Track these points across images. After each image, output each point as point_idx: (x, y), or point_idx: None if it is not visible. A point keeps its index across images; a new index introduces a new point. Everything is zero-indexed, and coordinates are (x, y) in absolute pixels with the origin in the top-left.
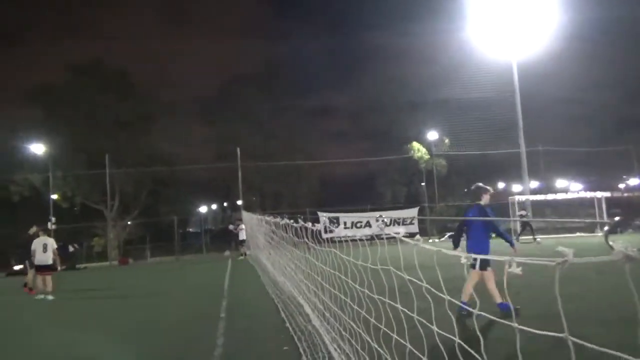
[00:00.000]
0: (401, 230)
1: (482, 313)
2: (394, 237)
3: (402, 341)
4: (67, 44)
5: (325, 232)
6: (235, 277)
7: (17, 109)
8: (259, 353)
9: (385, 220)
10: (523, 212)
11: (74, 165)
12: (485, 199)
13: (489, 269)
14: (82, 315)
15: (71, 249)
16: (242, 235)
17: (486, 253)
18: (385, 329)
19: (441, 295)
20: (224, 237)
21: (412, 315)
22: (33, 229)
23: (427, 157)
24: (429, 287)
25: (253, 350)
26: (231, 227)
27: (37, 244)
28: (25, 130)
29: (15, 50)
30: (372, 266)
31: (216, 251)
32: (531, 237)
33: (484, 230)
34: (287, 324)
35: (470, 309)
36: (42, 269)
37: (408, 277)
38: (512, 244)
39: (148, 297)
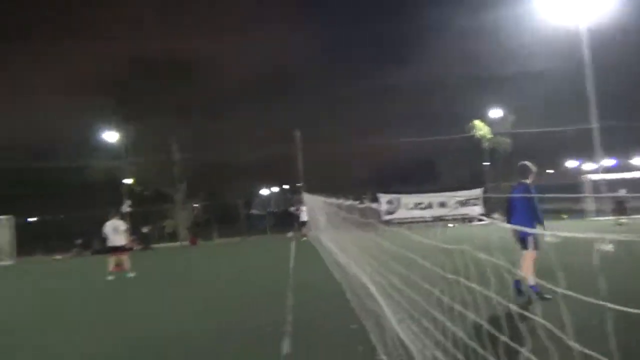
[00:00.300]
0: (466, 210)
1: (568, 292)
2: (461, 218)
3: (478, 320)
4: (135, 36)
5: (386, 213)
6: (299, 258)
7: (92, 99)
8: (327, 330)
9: (461, 199)
10: (623, 191)
11: (145, 151)
12: (531, 178)
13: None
14: (159, 292)
15: (145, 230)
16: (304, 217)
17: (530, 234)
18: (460, 308)
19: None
20: (286, 219)
21: (490, 294)
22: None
23: (489, 135)
24: (510, 267)
25: (321, 328)
26: (292, 209)
27: (109, 227)
28: (101, 120)
29: (88, 42)
30: (446, 246)
31: (279, 233)
32: (624, 217)
33: (530, 208)
34: (353, 304)
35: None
36: (117, 250)
37: (486, 256)
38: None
39: (218, 275)
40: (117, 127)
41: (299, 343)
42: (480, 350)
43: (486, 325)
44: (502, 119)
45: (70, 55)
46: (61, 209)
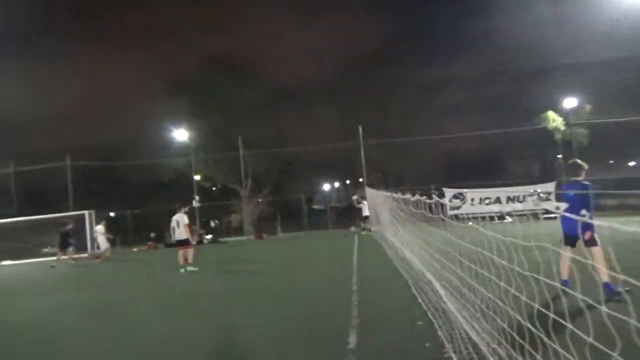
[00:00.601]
0: (538, 206)
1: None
2: (531, 213)
3: (560, 320)
4: (203, 37)
5: (451, 208)
6: (362, 253)
7: (163, 101)
8: (393, 325)
9: (542, 195)
10: None
11: (212, 148)
12: (583, 176)
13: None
14: (228, 283)
15: (212, 224)
16: (365, 212)
17: (590, 228)
18: (539, 307)
19: (613, 274)
20: (348, 214)
21: (574, 294)
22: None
23: (562, 127)
24: (594, 264)
25: (387, 323)
26: (355, 197)
27: (173, 221)
28: (170, 119)
29: (160, 45)
30: (524, 243)
31: (341, 227)
32: None
33: (586, 205)
34: (420, 300)
35: (619, 289)
36: (179, 244)
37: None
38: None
39: (284, 268)
40: (187, 126)
41: (365, 338)
42: (561, 351)
43: (570, 326)
44: (577, 109)
45: (142, 57)
46: (137, 204)
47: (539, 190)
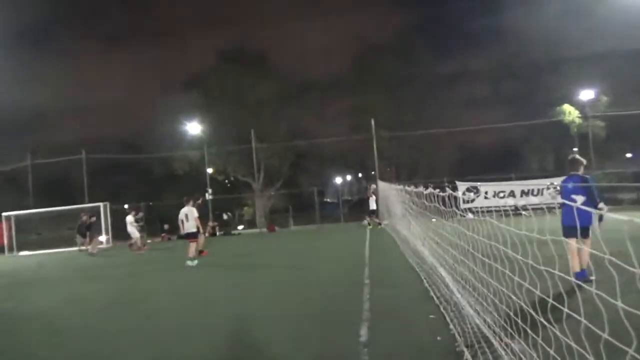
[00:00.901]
0: (552, 199)
1: None
2: (546, 207)
3: (575, 316)
4: (215, 32)
5: (464, 202)
6: (374, 246)
7: (176, 94)
8: (405, 319)
9: (558, 187)
10: None
11: (224, 141)
12: (581, 170)
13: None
14: (239, 277)
15: (225, 217)
16: (372, 205)
17: (590, 222)
18: (554, 302)
19: (628, 268)
20: (361, 207)
21: (589, 288)
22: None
23: (579, 120)
24: (612, 258)
25: (399, 316)
26: (372, 187)
27: (182, 214)
28: (184, 112)
29: (173, 41)
30: (539, 237)
31: (353, 221)
32: None
33: (592, 198)
34: (432, 294)
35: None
36: (188, 237)
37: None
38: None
39: (296, 261)
40: (201, 119)
41: (377, 331)
42: (575, 346)
43: (584, 321)
44: (594, 101)
45: (157, 52)
46: (151, 197)
47: (555, 184)
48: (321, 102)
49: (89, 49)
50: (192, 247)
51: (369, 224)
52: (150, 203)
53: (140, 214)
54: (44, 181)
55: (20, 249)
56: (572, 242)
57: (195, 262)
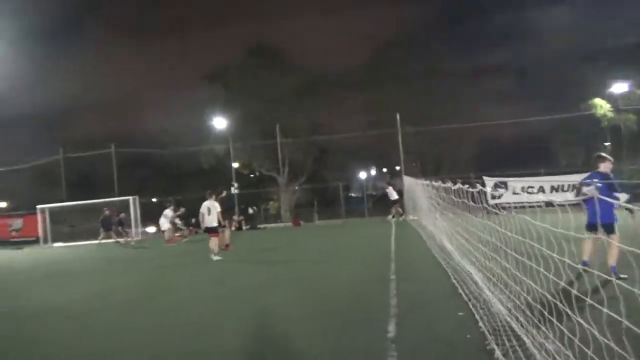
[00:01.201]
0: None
1: None
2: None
3: (616, 317)
4: (241, 26)
5: (492, 197)
6: (400, 241)
7: (202, 89)
8: (432, 316)
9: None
10: None
11: (249, 136)
12: (603, 167)
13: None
14: (265, 272)
15: (250, 211)
16: (393, 195)
17: (613, 218)
18: (592, 302)
19: None
20: (384, 201)
21: (633, 289)
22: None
23: (610, 114)
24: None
25: (426, 313)
26: (392, 182)
27: (204, 207)
28: (210, 107)
29: (200, 33)
30: (577, 235)
31: (377, 215)
32: None
33: (609, 196)
34: (460, 290)
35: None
36: (209, 231)
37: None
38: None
39: (321, 256)
40: (226, 114)
41: (405, 327)
42: (615, 348)
43: (625, 322)
44: (627, 94)
45: (183, 46)
46: (178, 191)
47: (572, 181)
48: (344, 97)
49: (115, 42)
50: (214, 241)
51: (393, 217)
52: (180, 197)
53: (182, 210)
54: (75, 174)
55: (54, 240)
56: (595, 237)
57: (219, 256)
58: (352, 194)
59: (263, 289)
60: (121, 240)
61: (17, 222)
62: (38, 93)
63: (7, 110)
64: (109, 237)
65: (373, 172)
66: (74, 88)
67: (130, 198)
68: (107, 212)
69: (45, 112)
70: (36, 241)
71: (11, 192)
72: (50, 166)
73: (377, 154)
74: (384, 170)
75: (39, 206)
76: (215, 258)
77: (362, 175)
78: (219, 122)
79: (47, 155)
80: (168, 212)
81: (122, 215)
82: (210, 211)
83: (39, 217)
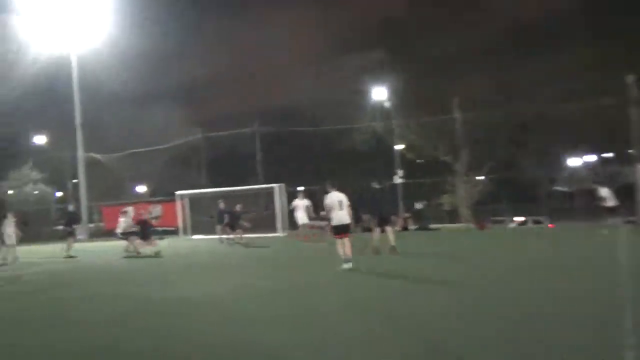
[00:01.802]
0: None
1: None
2: None
3: None
4: None
5: None
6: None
7: (358, 52)
8: None
9: None
10: None
11: (418, 110)
12: None
13: None
14: (418, 296)
15: (418, 206)
16: (606, 201)
17: None
18: None
19: None
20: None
21: None
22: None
23: None
24: None
25: None
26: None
27: (333, 200)
28: (366, 75)
29: None
30: None
31: (587, 220)
32: None
33: None
34: None
35: None
36: (337, 231)
37: None
38: None
39: (517, 276)
40: (387, 84)
41: None
42: None
43: None
44: None
45: (317, 13)
46: (327, 178)
47: None
48: (548, 53)
49: (262, 14)
50: (347, 245)
51: (605, 229)
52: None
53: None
54: (213, 157)
55: (193, 231)
56: None
57: (350, 264)
58: (559, 187)
59: (413, 324)
60: (231, 236)
61: (157, 209)
62: (175, 69)
63: (148, 88)
64: (225, 233)
65: (591, 157)
66: (204, 65)
67: (276, 186)
68: (221, 205)
69: (185, 87)
70: (175, 232)
71: (149, 175)
72: (188, 148)
73: (597, 132)
74: (608, 155)
75: (178, 192)
76: (346, 266)
77: (574, 162)
78: (379, 93)
79: (184, 136)
80: (306, 202)
81: (238, 206)
82: (342, 204)
83: (178, 204)
